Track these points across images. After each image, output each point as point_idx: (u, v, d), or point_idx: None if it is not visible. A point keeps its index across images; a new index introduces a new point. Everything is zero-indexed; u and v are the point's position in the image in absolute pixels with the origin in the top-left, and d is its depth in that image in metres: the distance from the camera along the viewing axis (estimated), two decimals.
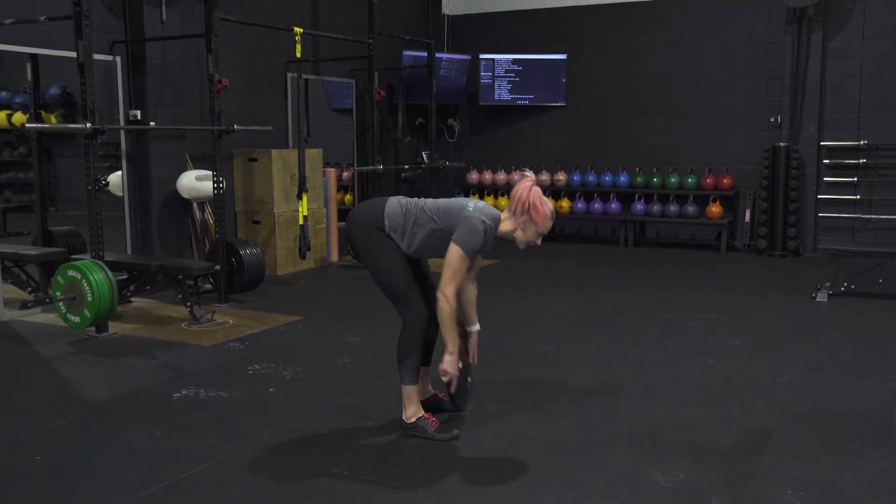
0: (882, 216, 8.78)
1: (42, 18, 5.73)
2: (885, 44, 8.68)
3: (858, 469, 3.32)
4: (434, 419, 3.68)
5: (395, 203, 3.63)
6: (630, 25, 9.98)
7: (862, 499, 3.06)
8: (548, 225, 3.55)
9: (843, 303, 6.49)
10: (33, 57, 6.52)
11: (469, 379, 3.84)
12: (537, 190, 3.54)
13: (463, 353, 3.76)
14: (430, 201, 3.66)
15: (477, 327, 3.83)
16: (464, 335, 3.76)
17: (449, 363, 3.54)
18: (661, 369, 4.74)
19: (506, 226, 3.58)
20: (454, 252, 3.45)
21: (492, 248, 3.59)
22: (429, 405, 3.84)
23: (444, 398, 3.96)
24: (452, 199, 3.69)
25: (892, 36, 8.66)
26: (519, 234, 3.57)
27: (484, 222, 3.48)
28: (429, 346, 3.79)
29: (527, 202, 3.49)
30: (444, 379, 3.60)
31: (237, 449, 3.55)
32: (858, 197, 8.88)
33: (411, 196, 3.80)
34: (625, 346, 5.24)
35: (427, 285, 3.73)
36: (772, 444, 3.57)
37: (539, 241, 3.58)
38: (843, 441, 3.61)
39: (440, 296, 3.46)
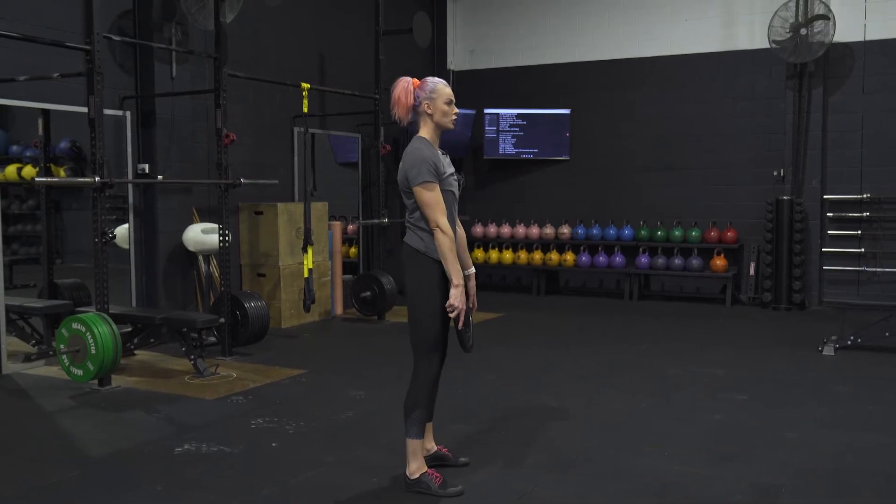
0: (887, 269, 8.77)
1: (55, 75, 5.84)
2: (886, 98, 8.78)
3: None
4: (438, 475, 3.64)
5: (407, 232, 3.68)
6: (633, 81, 10.11)
7: None
8: (446, 89, 3.59)
9: (850, 356, 6.45)
10: (45, 112, 6.62)
11: (471, 319, 3.71)
12: (405, 80, 3.59)
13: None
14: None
15: (472, 270, 3.78)
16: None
17: (455, 296, 3.46)
18: (668, 425, 4.69)
19: (427, 129, 3.62)
20: (417, 190, 3.48)
21: (453, 171, 3.63)
22: (432, 460, 3.80)
23: (448, 453, 3.93)
24: None
25: (893, 90, 8.75)
26: (439, 119, 3.59)
27: (417, 149, 3.52)
28: (433, 401, 3.76)
29: (405, 91, 3.55)
30: (452, 314, 3.49)
31: None
32: (863, 250, 8.89)
33: None
34: (630, 401, 5.20)
35: (445, 345, 3.70)
36: (781, 502, 3.51)
37: (455, 111, 3.62)
38: (854, 498, 3.56)
39: (434, 228, 3.46)
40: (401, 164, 3.60)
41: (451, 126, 3.66)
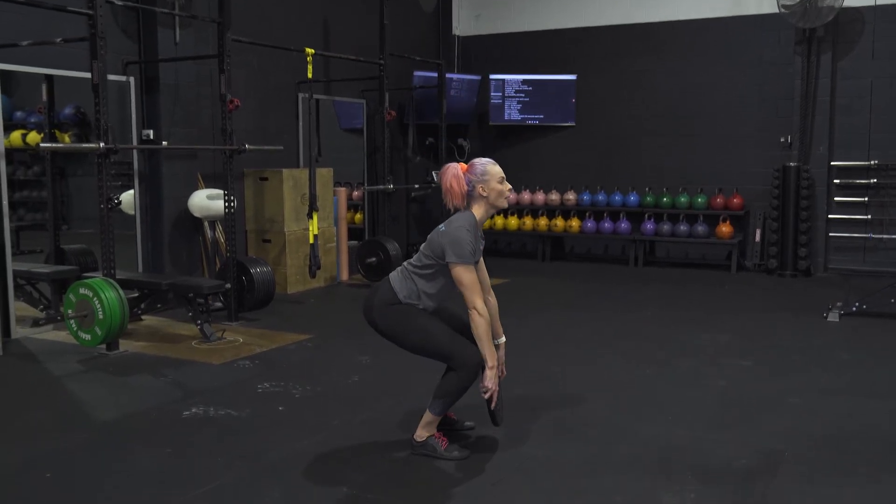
0: (893, 235, 8.74)
1: (58, 40, 5.81)
2: (895, 64, 8.69)
3: (871, 492, 3.29)
4: (444, 438, 3.67)
5: (395, 274, 3.68)
6: (640, 46, 10.02)
7: None
8: (495, 168, 3.60)
9: (854, 323, 6.46)
10: (49, 78, 6.59)
11: (501, 395, 3.80)
12: (453, 166, 3.59)
13: None
14: (415, 255, 3.69)
15: (503, 339, 3.82)
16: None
17: (489, 378, 3.51)
18: (672, 391, 4.72)
19: (479, 210, 3.61)
20: (457, 271, 3.47)
21: (482, 245, 3.65)
22: (439, 424, 3.83)
23: (455, 417, 3.96)
24: (431, 233, 3.68)
25: None
26: (494, 199, 3.59)
27: (462, 228, 3.50)
28: None
29: (455, 178, 3.54)
30: (486, 396, 3.55)
31: (246, 468, 3.55)
32: (869, 216, 8.86)
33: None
34: (635, 367, 5.23)
35: (464, 324, 3.67)
36: (784, 467, 3.54)
37: (508, 187, 3.62)
38: (856, 463, 3.58)
39: (472, 312, 3.47)
40: (442, 228, 3.57)
41: (506, 204, 3.68)
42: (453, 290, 3.61)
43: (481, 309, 3.47)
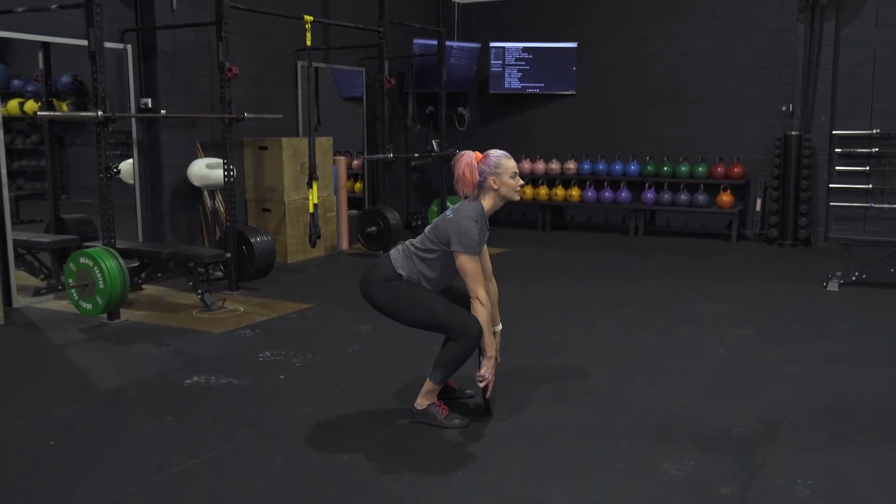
0: (894, 205, 8.72)
1: (53, 7, 5.75)
2: None
3: (869, 460, 3.31)
4: (444, 406, 3.69)
5: (396, 252, 3.67)
6: (641, 14, 9.92)
7: (872, 490, 3.06)
8: (510, 162, 3.60)
9: (854, 292, 6.47)
10: (45, 45, 6.54)
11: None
12: (467, 154, 3.58)
13: None
14: (419, 236, 3.68)
15: (500, 327, 3.84)
16: None
17: (487, 368, 3.55)
18: (672, 359, 4.73)
19: (488, 202, 3.61)
20: (462, 260, 3.47)
21: (487, 235, 3.64)
22: (439, 392, 3.85)
23: (454, 386, 3.98)
24: (436, 218, 3.68)
25: None
26: (506, 192, 3.60)
27: (469, 218, 3.50)
28: None
29: (469, 167, 3.54)
30: (482, 384, 3.59)
31: (247, 436, 3.57)
32: (871, 186, 8.83)
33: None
34: (634, 336, 5.24)
35: (463, 298, 3.68)
36: (782, 435, 3.56)
37: (521, 182, 3.63)
38: (854, 432, 3.60)
39: (474, 302, 3.49)
40: (449, 214, 3.56)
41: (517, 198, 3.66)
42: (454, 275, 3.61)
43: (483, 299, 3.48)
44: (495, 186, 3.58)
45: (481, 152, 3.64)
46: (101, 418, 3.83)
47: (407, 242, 3.70)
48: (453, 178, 3.62)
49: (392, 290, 3.59)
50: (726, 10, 9.44)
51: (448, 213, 3.60)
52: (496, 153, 3.61)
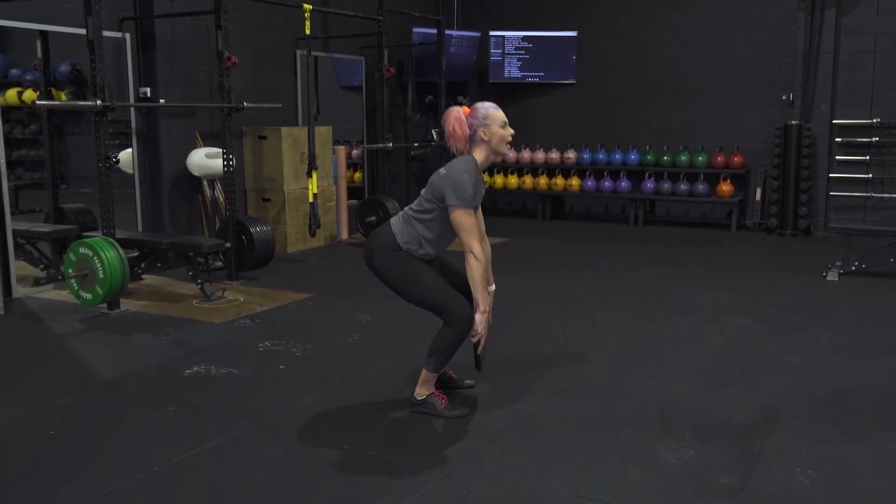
0: (894, 195, 8.71)
1: None
2: None
3: (868, 449, 3.32)
4: (444, 396, 3.70)
5: (396, 219, 3.67)
6: (641, 3, 9.89)
7: (871, 479, 3.07)
8: (497, 112, 3.58)
9: (854, 282, 6.47)
10: (43, 34, 6.51)
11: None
12: (455, 109, 3.58)
13: None
14: (416, 200, 3.67)
15: (493, 287, 3.81)
16: None
17: (480, 322, 3.54)
18: (671, 348, 4.74)
19: (480, 154, 3.60)
20: (457, 214, 3.47)
21: (483, 190, 3.64)
22: (438, 382, 3.85)
23: (454, 375, 3.98)
24: (431, 176, 3.67)
25: None
26: (496, 144, 3.58)
27: (463, 171, 3.50)
28: None
29: (458, 121, 3.53)
30: (474, 339, 3.60)
31: (247, 426, 3.57)
32: (871, 175, 8.82)
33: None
34: (634, 325, 5.24)
35: (462, 281, 3.69)
36: (781, 424, 3.57)
37: (510, 132, 3.61)
38: (854, 421, 3.61)
39: (468, 255, 3.48)
40: (442, 171, 3.56)
41: (508, 150, 3.67)
42: (453, 236, 3.61)
43: (478, 253, 3.48)
44: (486, 138, 3.56)
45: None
46: (101, 408, 3.84)
47: (406, 208, 3.70)
48: (444, 135, 3.61)
49: (393, 260, 3.59)
50: None
51: (442, 170, 3.60)
52: (484, 105, 3.59)
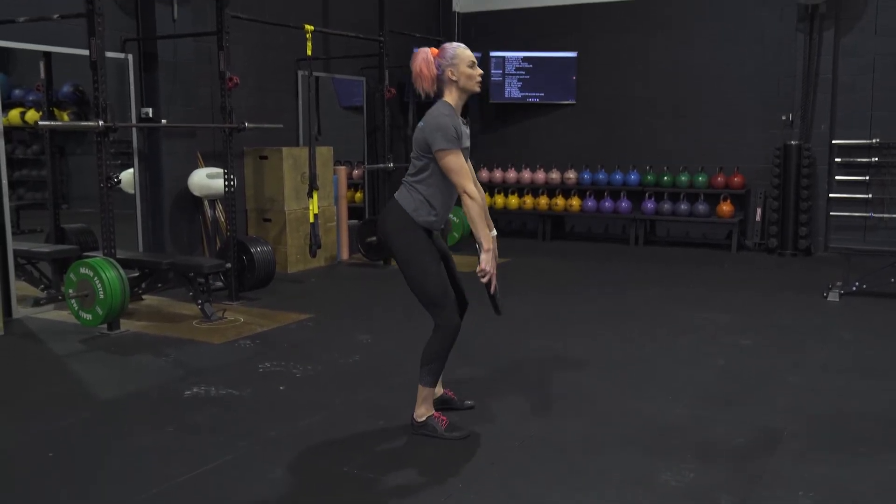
0: (894, 215, 8.73)
1: (55, 16, 5.76)
2: None
3: (870, 471, 3.31)
4: (444, 418, 3.69)
5: (400, 191, 3.65)
6: (641, 23, 9.95)
7: (873, 501, 3.05)
8: (466, 52, 3.56)
9: (854, 302, 6.46)
10: (46, 55, 6.55)
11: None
12: (423, 50, 3.57)
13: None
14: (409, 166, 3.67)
15: (494, 232, 3.70)
16: None
17: (486, 261, 3.44)
18: (672, 369, 4.73)
19: (452, 97, 3.57)
20: (446, 159, 3.44)
21: (468, 133, 3.62)
22: (439, 404, 3.85)
23: (454, 397, 3.97)
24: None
25: None
26: (464, 83, 3.55)
27: (440, 115, 3.48)
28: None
29: (425, 62, 3.52)
30: (484, 279, 3.48)
31: (247, 447, 3.56)
32: (870, 195, 8.84)
33: None
34: (635, 346, 5.24)
35: (459, 289, 3.70)
36: (782, 445, 3.56)
37: (479, 72, 3.59)
38: (855, 442, 3.60)
39: (463, 195, 3.45)
40: (421, 124, 3.54)
41: (478, 89, 3.63)
42: (452, 190, 3.57)
43: (472, 192, 3.45)
44: (454, 78, 3.54)
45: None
46: (100, 429, 3.83)
47: (404, 178, 3.67)
48: (411, 76, 3.58)
49: (406, 238, 3.54)
50: (726, 20, 9.47)
51: (420, 122, 3.57)
52: (452, 45, 3.58)
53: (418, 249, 3.55)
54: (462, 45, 3.59)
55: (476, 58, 3.67)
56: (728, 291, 6.99)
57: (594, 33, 10.24)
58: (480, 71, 3.61)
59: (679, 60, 9.79)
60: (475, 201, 3.45)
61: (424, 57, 3.54)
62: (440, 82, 3.57)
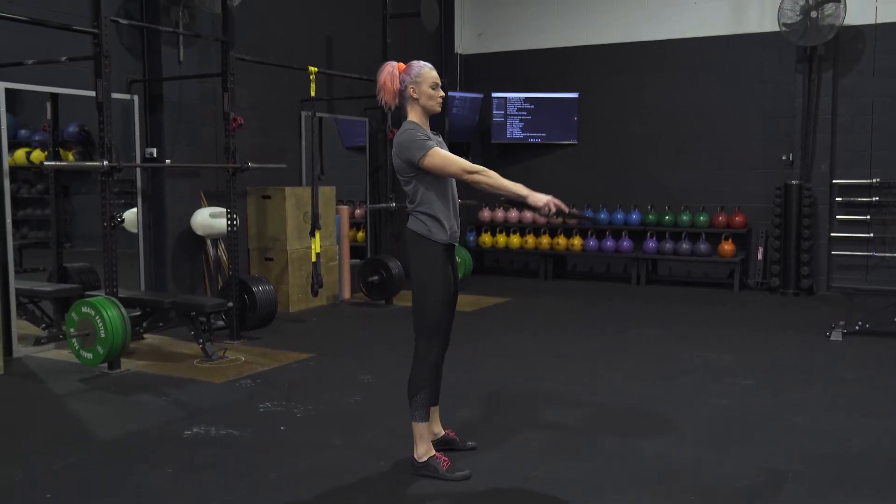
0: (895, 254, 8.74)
1: (63, 59, 5.84)
2: None
3: None
4: (445, 458, 3.66)
5: (410, 221, 3.66)
6: (641, 64, 10.06)
7: None
8: (431, 73, 3.57)
9: (857, 342, 6.44)
10: (53, 96, 6.63)
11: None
12: (391, 64, 3.60)
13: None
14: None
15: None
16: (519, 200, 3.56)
17: (538, 197, 3.40)
18: (674, 409, 4.70)
19: (414, 113, 3.59)
20: (429, 161, 3.44)
21: (444, 144, 3.62)
22: (440, 444, 3.83)
23: (456, 437, 3.95)
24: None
25: None
26: (424, 102, 3.57)
27: (404, 131, 3.51)
28: (438, 385, 3.79)
29: (390, 75, 3.56)
30: (553, 211, 3.40)
31: (247, 488, 3.54)
32: (872, 235, 8.86)
33: None
34: (637, 386, 5.21)
35: (448, 331, 3.71)
36: (787, 487, 3.52)
37: (441, 94, 3.59)
38: (861, 483, 3.57)
39: (467, 176, 3.44)
40: (394, 151, 3.58)
41: (438, 109, 3.64)
42: (449, 194, 3.58)
43: (472, 168, 3.45)
44: (415, 96, 3.56)
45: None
46: (100, 469, 3.80)
47: (408, 210, 3.67)
48: (375, 88, 3.61)
49: (429, 267, 3.54)
50: (726, 60, 9.57)
51: (392, 150, 3.59)
52: (419, 63, 3.61)
53: (435, 285, 3.57)
54: (428, 66, 3.62)
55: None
56: (730, 330, 6.97)
57: (595, 75, 10.34)
58: (442, 93, 3.64)
59: (680, 101, 9.87)
60: (480, 172, 3.45)
61: (390, 70, 3.60)
62: (402, 98, 3.61)
